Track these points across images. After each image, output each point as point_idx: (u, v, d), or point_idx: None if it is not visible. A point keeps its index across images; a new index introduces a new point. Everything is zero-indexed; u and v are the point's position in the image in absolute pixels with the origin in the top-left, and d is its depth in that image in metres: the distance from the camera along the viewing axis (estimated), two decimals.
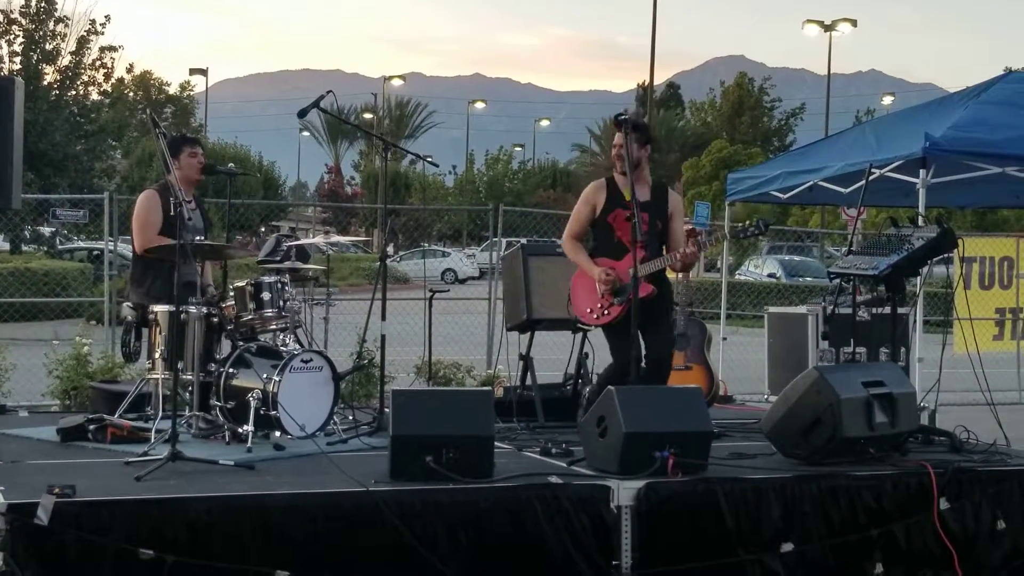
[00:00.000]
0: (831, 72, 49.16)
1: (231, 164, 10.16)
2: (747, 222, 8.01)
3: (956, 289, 9.49)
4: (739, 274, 33.97)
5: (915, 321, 9.63)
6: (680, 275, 9.44)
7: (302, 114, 8.29)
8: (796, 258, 38.64)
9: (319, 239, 8.79)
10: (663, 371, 7.81)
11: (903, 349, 9.59)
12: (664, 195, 7.92)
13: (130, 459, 6.62)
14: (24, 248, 30.13)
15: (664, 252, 7.78)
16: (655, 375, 7.69)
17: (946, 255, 8.49)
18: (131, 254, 8.53)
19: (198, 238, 7.93)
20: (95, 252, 26.36)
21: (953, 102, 10.39)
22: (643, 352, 7.65)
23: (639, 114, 7.89)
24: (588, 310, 7.82)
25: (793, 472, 6.74)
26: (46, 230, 30.05)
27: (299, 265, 8.35)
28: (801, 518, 6.51)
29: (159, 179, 8.65)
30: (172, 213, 7.23)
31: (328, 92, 8.25)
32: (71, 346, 10.95)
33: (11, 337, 13.91)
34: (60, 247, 31.14)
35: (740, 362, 13.57)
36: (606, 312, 7.71)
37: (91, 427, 7.45)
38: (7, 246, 30.93)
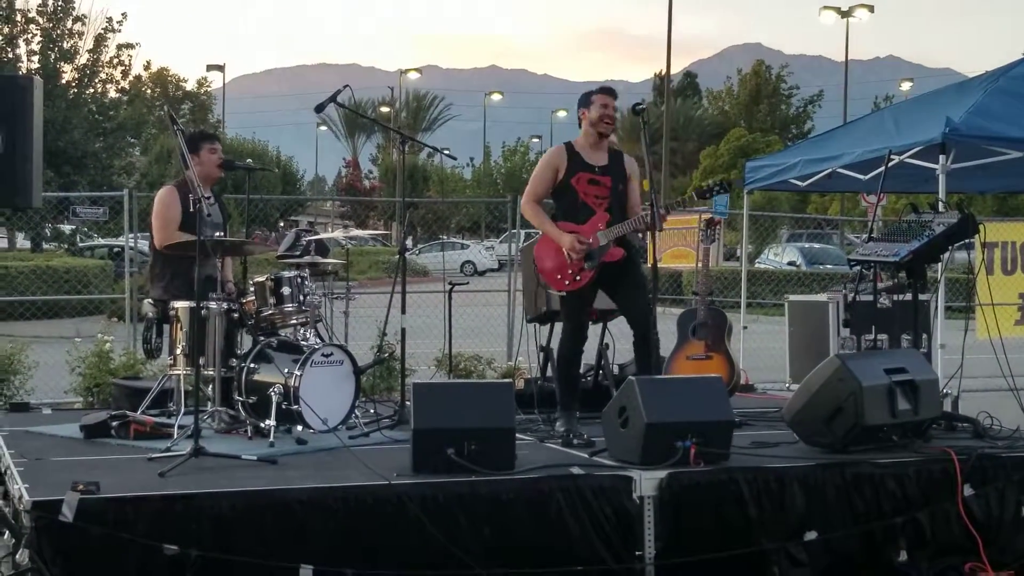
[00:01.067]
0: (849, 58, 48.92)
1: (249, 160, 10.19)
2: (711, 181, 8.06)
3: (978, 274, 9.42)
4: (758, 262, 33.94)
5: (937, 307, 9.59)
6: (699, 264, 9.42)
7: (319, 109, 8.31)
8: (816, 245, 38.51)
9: (338, 233, 8.80)
10: (648, 325, 7.63)
11: (925, 336, 9.56)
12: (621, 159, 7.97)
13: (153, 455, 6.65)
14: (45, 246, 30.26)
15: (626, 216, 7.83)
16: (641, 328, 7.65)
17: (967, 240, 8.45)
18: (150, 250, 8.55)
19: (217, 234, 7.96)
20: (115, 249, 26.46)
21: (972, 87, 10.31)
22: (623, 313, 7.82)
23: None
24: (559, 276, 7.76)
25: (816, 460, 6.73)
26: (66, 228, 30.19)
27: (318, 260, 8.35)
28: (824, 506, 6.50)
29: (178, 176, 8.67)
30: (191, 209, 7.26)
31: (345, 87, 8.26)
32: (93, 343, 10.99)
33: (33, 335, 13.97)
34: (80, 244, 31.28)
35: (761, 351, 13.55)
36: (577, 278, 7.68)
37: (114, 423, 7.48)
38: (28, 244, 31.07)
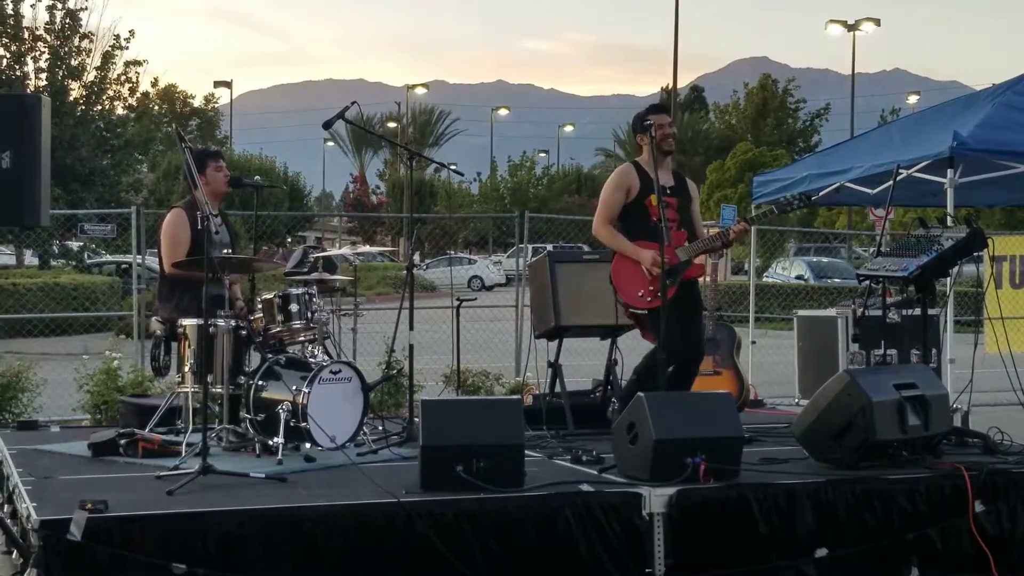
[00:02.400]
0: (855, 72, 49.01)
1: (257, 177, 10.18)
2: (791, 195, 8.10)
3: (987, 288, 9.41)
4: (766, 276, 33.89)
5: (946, 322, 9.56)
6: (708, 279, 9.41)
7: (327, 125, 8.31)
8: (824, 259, 38.51)
9: (346, 249, 8.79)
10: (699, 352, 8.07)
11: (934, 350, 9.54)
12: (684, 180, 8.13)
13: (161, 473, 6.62)
14: (53, 263, 30.30)
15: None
16: (691, 353, 7.86)
17: (976, 254, 8.43)
18: (158, 269, 8.54)
19: (225, 251, 7.95)
20: (123, 265, 26.48)
21: (980, 100, 10.32)
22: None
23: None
24: (640, 293, 7.79)
25: (826, 476, 6.69)
26: (74, 245, 30.21)
27: (326, 276, 8.35)
28: (835, 523, 6.46)
29: (185, 195, 8.67)
30: (200, 228, 7.26)
31: (353, 103, 8.26)
32: (101, 360, 11.00)
33: (42, 352, 13.99)
34: (88, 261, 31.32)
35: (770, 365, 13.52)
36: (659, 294, 7.69)
37: (122, 441, 7.46)
38: (36, 261, 31.11)
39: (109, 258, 30.24)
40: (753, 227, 14.24)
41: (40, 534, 5.30)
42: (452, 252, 52.55)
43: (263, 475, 6.58)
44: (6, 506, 6.75)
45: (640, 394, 6.71)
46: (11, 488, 6.68)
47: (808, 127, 71.89)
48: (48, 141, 5.63)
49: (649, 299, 7.75)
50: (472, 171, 69.14)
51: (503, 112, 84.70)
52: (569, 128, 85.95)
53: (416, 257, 8.46)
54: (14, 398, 10.73)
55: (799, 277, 34.45)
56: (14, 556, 5.90)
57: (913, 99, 66.92)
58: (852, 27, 48.44)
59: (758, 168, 44.05)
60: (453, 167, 9.89)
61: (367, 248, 9.73)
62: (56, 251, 30.13)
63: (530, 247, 13.96)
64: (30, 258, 31.95)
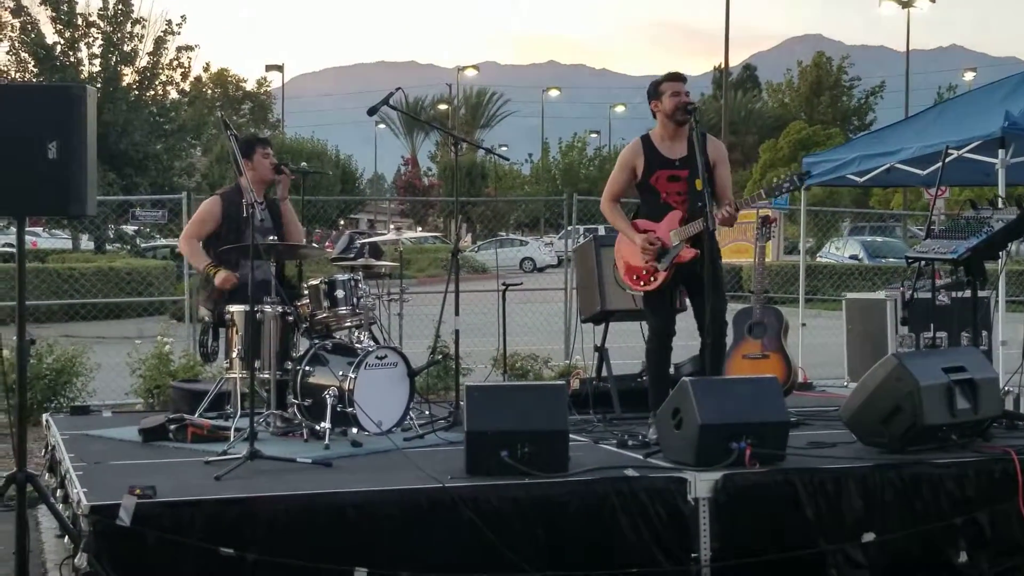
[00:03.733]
0: (910, 49, 48.44)
1: (304, 163, 10.24)
2: (781, 176, 7.82)
3: None
4: (820, 256, 33.65)
5: (997, 303, 9.46)
6: (756, 261, 9.34)
7: (372, 112, 8.36)
8: (879, 239, 38.15)
9: (390, 235, 8.81)
10: (721, 332, 7.63)
11: (985, 333, 9.44)
12: (703, 145, 7.54)
13: (210, 458, 6.70)
14: (108, 247, 30.62)
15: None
16: (712, 335, 7.51)
17: None
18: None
19: (270, 238, 8.00)
20: (177, 250, 26.69)
21: None
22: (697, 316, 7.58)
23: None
24: (635, 277, 7.71)
25: (874, 461, 6.64)
26: (129, 229, 30.50)
27: (372, 262, 8.39)
28: (883, 507, 6.42)
29: (232, 181, 8.73)
30: (245, 215, 7.32)
31: (397, 89, 8.32)
32: (154, 345, 11.11)
33: (98, 336, 14.18)
34: (143, 245, 31.61)
35: (821, 347, 13.43)
36: (653, 278, 7.62)
37: (172, 427, 7.55)
38: (91, 245, 31.45)
39: (163, 242, 30.51)
40: (803, 209, 14.26)
41: (90, 519, 5.38)
42: (504, 234, 52.55)
43: (310, 460, 6.64)
44: (59, 491, 6.85)
45: (685, 379, 6.69)
46: (63, 473, 6.77)
47: (863, 105, 71.27)
48: (94, 131, 5.67)
49: (643, 284, 7.67)
50: (524, 152, 69.07)
51: (554, 93, 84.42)
52: (620, 108, 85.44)
53: (468, 239, 8.45)
54: (68, 382, 10.88)
55: (853, 257, 34.18)
56: (66, 541, 5.99)
57: (969, 76, 66.10)
58: (906, 4, 47.87)
59: (812, 147, 43.81)
60: (504, 148, 9.85)
61: (413, 233, 9.69)
62: (111, 236, 30.45)
63: (581, 228, 13.93)
64: (86, 242, 32.30)
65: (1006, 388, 8.46)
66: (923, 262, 8.40)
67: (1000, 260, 8.48)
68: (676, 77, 7.73)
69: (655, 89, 7.71)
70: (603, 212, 7.95)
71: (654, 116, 7.77)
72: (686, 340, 8.00)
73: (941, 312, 9.09)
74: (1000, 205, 8.13)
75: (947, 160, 9.19)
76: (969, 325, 8.58)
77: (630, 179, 7.75)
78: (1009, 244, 8.05)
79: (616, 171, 7.85)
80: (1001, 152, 9.34)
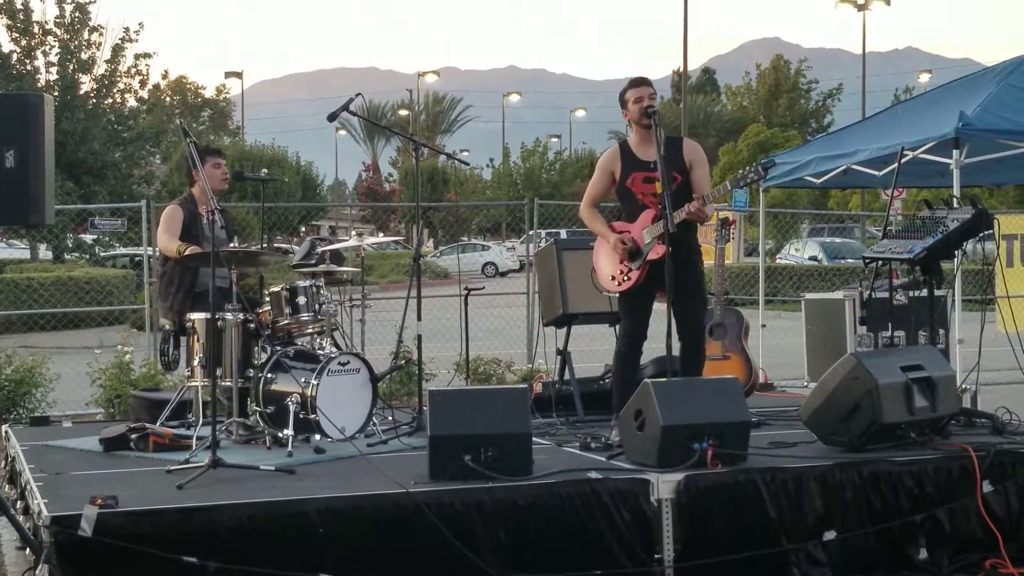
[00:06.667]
0: (867, 51, 48.85)
1: (264, 170, 10.19)
2: (746, 168, 7.89)
3: (995, 267, 9.41)
4: (780, 258, 33.85)
5: (953, 302, 9.56)
6: (716, 263, 9.39)
7: (332, 118, 8.34)
8: (837, 240, 38.46)
9: (352, 242, 8.81)
10: (700, 337, 7.74)
11: (942, 331, 9.54)
12: (679, 147, 7.73)
13: (172, 467, 6.68)
14: (66, 256, 30.39)
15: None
16: (691, 338, 7.61)
17: (986, 233, 8.41)
18: (160, 265, 8.60)
19: (230, 245, 7.97)
20: (137, 258, 26.56)
21: (984, 81, 10.28)
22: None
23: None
24: (611, 277, 7.75)
25: (834, 460, 6.70)
26: (88, 238, 30.29)
27: (333, 268, 8.38)
28: (843, 505, 6.48)
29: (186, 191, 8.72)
30: (203, 222, 7.31)
31: (357, 95, 8.29)
32: (114, 354, 11.04)
33: (57, 346, 14.08)
34: (102, 254, 31.40)
35: (781, 348, 13.52)
36: (627, 278, 7.66)
37: (133, 436, 7.52)
38: (50, 255, 31.22)
39: (123, 251, 30.32)
40: (762, 211, 14.34)
41: (51, 530, 5.34)
42: (466, 239, 52.57)
43: (273, 467, 6.62)
44: (19, 502, 6.81)
45: (647, 380, 6.74)
46: (23, 484, 6.73)
47: (821, 107, 71.76)
48: (52, 141, 5.66)
49: (618, 284, 7.71)
50: (485, 157, 69.12)
51: (515, 98, 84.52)
52: (581, 112, 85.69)
53: (430, 244, 8.46)
54: (28, 393, 10.81)
55: (812, 258, 34.44)
56: (27, 552, 5.96)
57: (925, 78, 66.63)
58: (862, 6, 48.28)
59: (771, 149, 44.02)
60: (464, 153, 9.88)
61: (372, 240, 9.65)
62: (70, 245, 30.23)
63: (543, 232, 13.96)
64: (44, 252, 32.06)
65: (963, 386, 8.55)
66: (880, 262, 8.48)
67: (956, 259, 8.57)
68: (638, 83, 7.79)
69: (621, 98, 7.80)
70: (582, 216, 8.03)
71: (629, 124, 7.87)
72: (651, 343, 8.03)
73: (899, 311, 9.16)
74: (955, 205, 8.22)
75: (903, 161, 9.27)
76: (926, 324, 8.67)
77: (609, 183, 7.84)
78: (964, 243, 8.13)
79: (596, 176, 7.94)
80: (955, 152, 9.43)
